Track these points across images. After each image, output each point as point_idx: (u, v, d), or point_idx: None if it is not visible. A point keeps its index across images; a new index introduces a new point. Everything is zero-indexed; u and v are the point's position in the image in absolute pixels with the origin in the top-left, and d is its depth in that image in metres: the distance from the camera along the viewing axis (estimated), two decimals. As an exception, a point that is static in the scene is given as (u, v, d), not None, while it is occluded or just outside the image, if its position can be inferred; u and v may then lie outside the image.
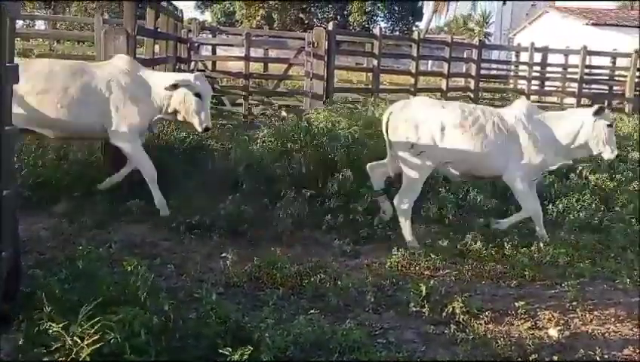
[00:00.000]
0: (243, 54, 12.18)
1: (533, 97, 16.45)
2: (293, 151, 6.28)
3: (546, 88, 18.59)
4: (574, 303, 4.17)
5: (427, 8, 44.15)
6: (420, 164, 5.12)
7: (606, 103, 15.99)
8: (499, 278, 4.61)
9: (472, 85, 14.54)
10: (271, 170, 6.07)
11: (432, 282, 4.25)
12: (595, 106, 5.39)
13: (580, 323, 3.94)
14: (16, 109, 5.01)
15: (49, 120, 5.25)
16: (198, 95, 5.25)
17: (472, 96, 14.41)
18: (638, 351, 3.62)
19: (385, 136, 5.37)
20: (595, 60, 18.14)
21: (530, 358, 3.38)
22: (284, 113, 10.45)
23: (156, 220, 5.41)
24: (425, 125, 5.09)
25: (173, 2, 11.89)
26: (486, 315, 3.85)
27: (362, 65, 15.95)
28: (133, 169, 5.60)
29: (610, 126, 5.33)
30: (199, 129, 5.40)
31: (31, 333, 2.82)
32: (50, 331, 2.76)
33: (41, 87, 5.17)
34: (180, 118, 5.49)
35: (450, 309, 3.83)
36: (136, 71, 5.45)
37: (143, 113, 5.39)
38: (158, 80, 5.44)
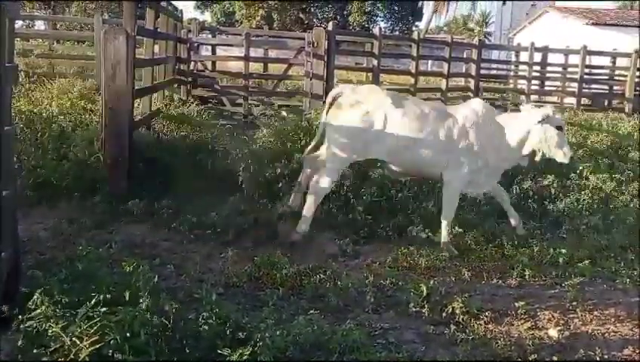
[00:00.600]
0: (243, 54, 12.18)
1: (533, 97, 16.46)
2: (293, 151, 6.27)
3: (546, 88, 18.58)
4: (574, 303, 4.17)
5: (427, 8, 44.22)
6: None
7: (606, 103, 16.12)
8: (499, 278, 4.61)
9: (471, 85, 14.54)
10: (271, 170, 6.06)
11: (432, 282, 4.26)
12: None
13: (580, 323, 3.94)
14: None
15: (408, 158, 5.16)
16: (559, 128, 5.12)
17: (471, 96, 14.42)
18: (638, 351, 3.62)
19: None
20: (595, 60, 18.14)
21: (530, 358, 3.38)
22: (284, 113, 10.44)
23: (156, 220, 5.41)
24: None
25: (173, 2, 11.91)
26: (486, 315, 3.85)
27: (362, 65, 15.94)
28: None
29: None
30: (565, 161, 5.24)
31: (30, 334, 2.82)
32: (50, 331, 2.76)
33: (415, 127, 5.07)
34: (537, 158, 5.24)
35: (450, 309, 3.84)
36: (492, 115, 5.28)
37: (494, 159, 5.21)
38: (514, 123, 5.23)
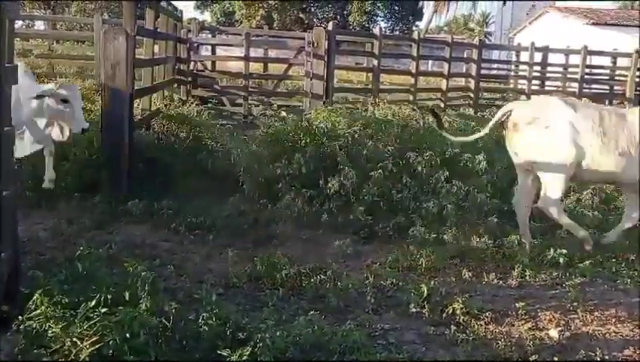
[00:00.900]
0: (243, 54, 12.19)
1: (533, 97, 16.46)
2: (293, 151, 6.27)
3: (547, 88, 18.57)
4: (575, 304, 4.15)
5: (427, 8, 44.20)
6: None
7: (606, 103, 16.12)
8: (499, 279, 4.60)
9: (472, 85, 14.54)
10: (271, 170, 6.06)
11: (432, 283, 4.25)
12: None
13: (581, 323, 3.93)
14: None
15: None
16: None
17: (472, 96, 14.42)
18: (638, 352, 3.61)
19: None
20: (596, 60, 18.14)
21: (531, 359, 3.37)
22: (284, 113, 10.44)
23: (156, 221, 5.40)
24: None
25: (173, 2, 11.89)
26: (486, 316, 3.84)
27: (362, 65, 15.94)
28: None
29: None
30: None
31: (30, 334, 2.82)
32: (50, 332, 2.76)
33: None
34: None
35: (451, 310, 3.83)
36: None
37: None
38: None
